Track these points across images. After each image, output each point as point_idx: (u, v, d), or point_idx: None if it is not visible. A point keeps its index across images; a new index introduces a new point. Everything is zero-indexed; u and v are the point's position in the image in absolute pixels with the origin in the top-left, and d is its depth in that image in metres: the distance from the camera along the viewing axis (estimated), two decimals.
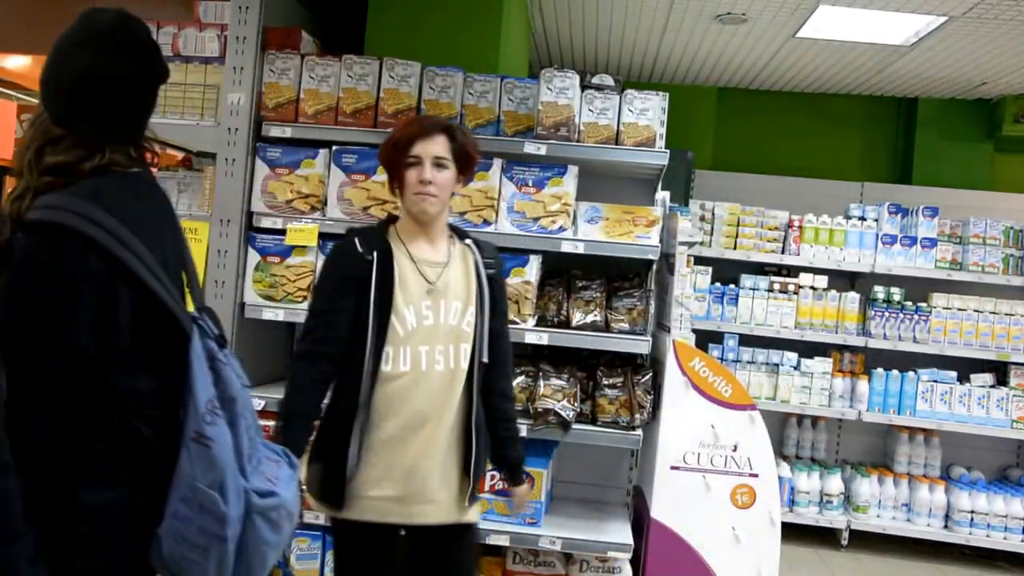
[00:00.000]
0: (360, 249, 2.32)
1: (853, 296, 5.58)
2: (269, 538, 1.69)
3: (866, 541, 5.45)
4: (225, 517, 1.56)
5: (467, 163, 2.40)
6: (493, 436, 2.49)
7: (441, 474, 2.33)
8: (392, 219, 2.48)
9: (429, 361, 2.31)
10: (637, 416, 3.20)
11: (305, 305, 3.25)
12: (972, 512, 5.29)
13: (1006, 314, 5.45)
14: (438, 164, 2.31)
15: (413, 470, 2.30)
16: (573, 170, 3.22)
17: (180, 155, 4.00)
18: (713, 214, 5.80)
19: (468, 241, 2.48)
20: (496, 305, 2.46)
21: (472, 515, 2.44)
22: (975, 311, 5.47)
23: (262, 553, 1.69)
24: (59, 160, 1.60)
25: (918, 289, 5.63)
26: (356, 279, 2.30)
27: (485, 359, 2.40)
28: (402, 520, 2.34)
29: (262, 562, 1.70)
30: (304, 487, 2.31)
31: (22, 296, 1.51)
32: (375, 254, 2.31)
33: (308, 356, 2.33)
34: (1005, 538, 5.26)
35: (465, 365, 2.36)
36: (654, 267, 3.50)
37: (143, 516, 1.58)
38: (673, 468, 3.35)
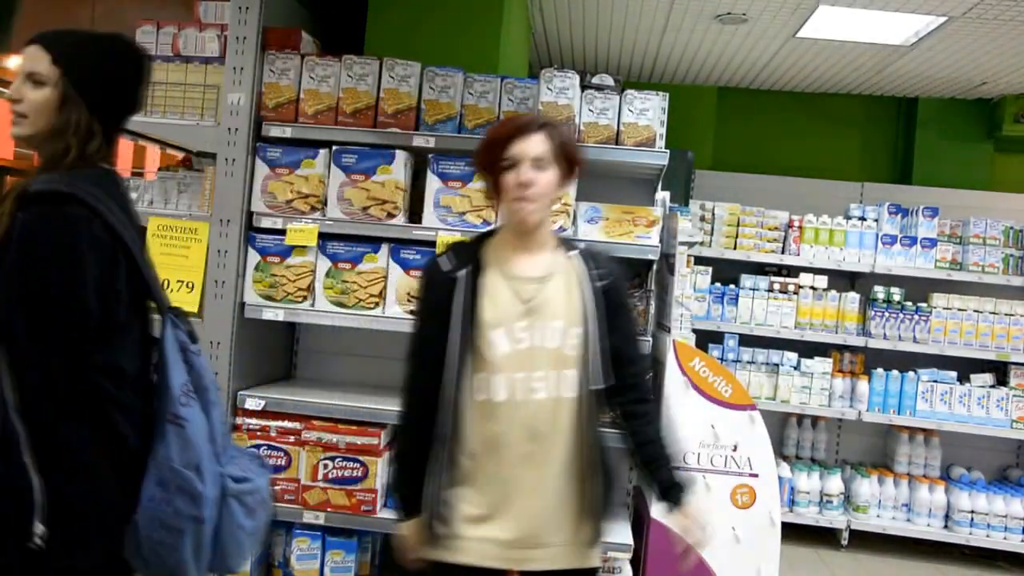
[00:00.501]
0: (445, 268, 2.12)
1: (853, 296, 5.59)
2: (244, 523, 1.71)
3: (866, 541, 5.45)
4: (201, 496, 1.59)
5: (570, 163, 2.16)
6: (642, 462, 2.24)
7: (554, 515, 2.10)
8: (490, 232, 2.25)
9: (526, 389, 2.06)
10: None
11: (306, 305, 3.25)
12: (972, 512, 5.29)
13: (1006, 314, 5.45)
14: (538, 166, 2.08)
15: (520, 511, 2.07)
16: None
17: (180, 155, 4.01)
18: (713, 214, 5.80)
19: (574, 252, 2.21)
20: (614, 321, 2.17)
21: (593, 559, 2.18)
22: (975, 311, 5.47)
23: (237, 539, 1.71)
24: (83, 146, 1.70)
25: (918, 289, 5.63)
26: (441, 301, 2.09)
27: (599, 385, 2.11)
28: (508, 565, 2.10)
29: (238, 548, 1.72)
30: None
31: (34, 262, 1.53)
32: (462, 272, 2.10)
33: (411, 413, 2.15)
34: (1005, 538, 5.27)
35: (571, 393, 2.09)
36: (654, 267, 3.50)
37: (123, 511, 1.60)
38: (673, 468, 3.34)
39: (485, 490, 2.07)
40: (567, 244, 2.23)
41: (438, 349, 2.06)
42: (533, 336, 2.07)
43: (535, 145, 2.08)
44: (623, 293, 2.27)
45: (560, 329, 2.08)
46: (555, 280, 2.13)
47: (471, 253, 2.15)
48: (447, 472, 2.06)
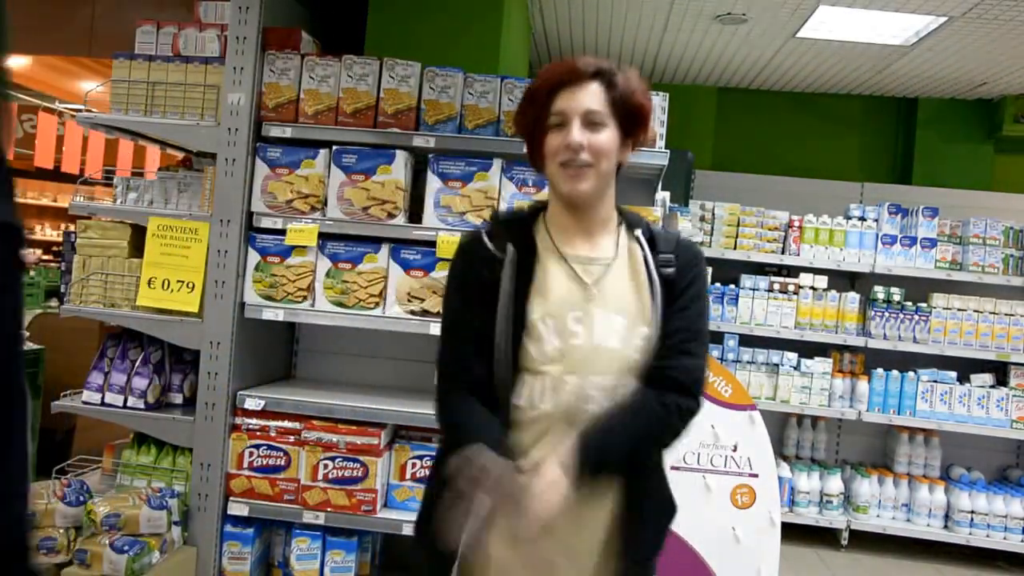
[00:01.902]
0: (491, 245, 1.71)
1: (853, 296, 5.59)
2: None
3: (866, 541, 5.45)
4: None
5: (635, 119, 1.72)
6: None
7: (602, 548, 1.69)
8: (542, 205, 1.83)
9: (580, 397, 1.64)
10: None
11: (306, 305, 3.25)
12: (972, 512, 5.29)
13: (1006, 314, 5.45)
14: (591, 123, 1.66)
15: (562, 542, 1.65)
16: None
17: (180, 155, 4.01)
18: (713, 214, 5.80)
19: (638, 231, 1.77)
20: (671, 318, 1.69)
21: None
22: (975, 311, 5.47)
23: None
24: None
25: (918, 289, 5.63)
26: (483, 285, 1.69)
27: None
28: None
29: None
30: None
31: None
32: (510, 250, 1.70)
33: (452, 393, 1.72)
34: (1005, 538, 5.26)
35: None
36: None
37: None
38: (673, 468, 3.35)
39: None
40: (632, 221, 1.80)
41: (480, 335, 1.68)
42: (593, 332, 1.66)
43: (588, 97, 1.67)
44: (697, 286, 1.74)
45: (624, 327, 1.67)
46: (619, 265, 1.73)
47: (522, 229, 1.76)
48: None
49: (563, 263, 1.70)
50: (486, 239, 1.72)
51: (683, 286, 1.71)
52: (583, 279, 1.69)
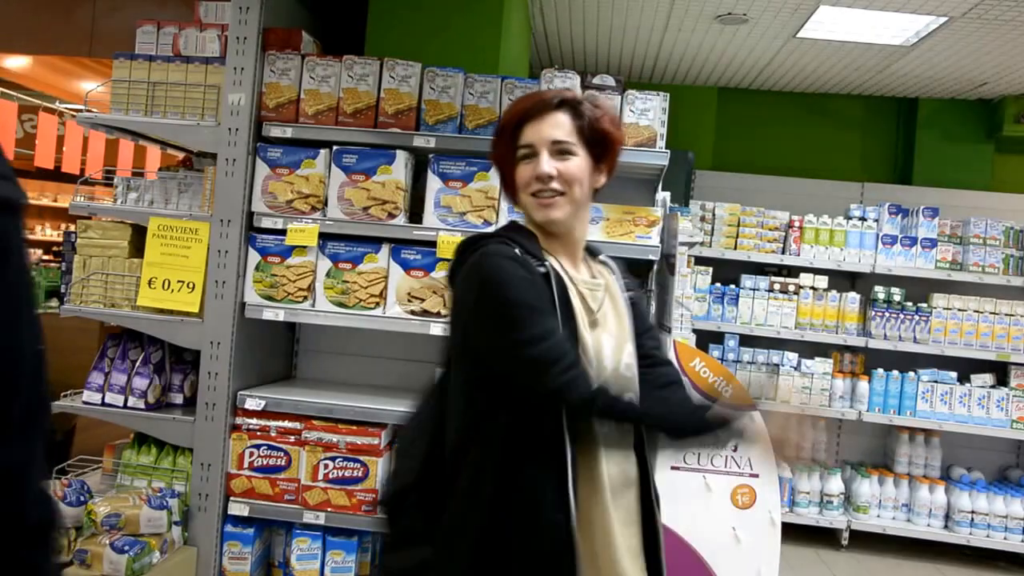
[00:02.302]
0: (529, 258, 1.70)
1: (853, 296, 5.59)
2: None
3: (866, 541, 5.45)
4: None
5: (603, 145, 1.75)
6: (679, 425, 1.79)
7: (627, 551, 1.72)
8: (528, 230, 1.81)
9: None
10: None
11: (306, 305, 3.24)
12: (972, 512, 5.29)
13: (1006, 314, 5.45)
14: (560, 152, 1.69)
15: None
16: None
17: (181, 155, 4.01)
18: (713, 214, 5.80)
19: (603, 257, 1.92)
20: (645, 330, 1.88)
21: None
22: (975, 311, 5.47)
23: None
24: None
25: (918, 289, 5.63)
26: (543, 293, 1.66)
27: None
28: None
29: None
30: None
31: None
32: (546, 265, 1.71)
33: (576, 380, 1.61)
34: (1005, 538, 5.27)
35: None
36: (655, 267, 3.50)
37: None
38: (673, 468, 3.35)
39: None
40: (590, 249, 1.91)
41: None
42: (593, 354, 1.70)
43: (555, 127, 1.70)
44: (645, 304, 1.98)
45: (615, 347, 1.75)
46: (607, 290, 1.84)
47: (536, 248, 1.74)
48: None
49: (575, 283, 1.74)
50: (517, 250, 1.69)
51: (642, 311, 1.91)
52: (593, 300, 1.76)
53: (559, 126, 1.70)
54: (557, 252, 1.76)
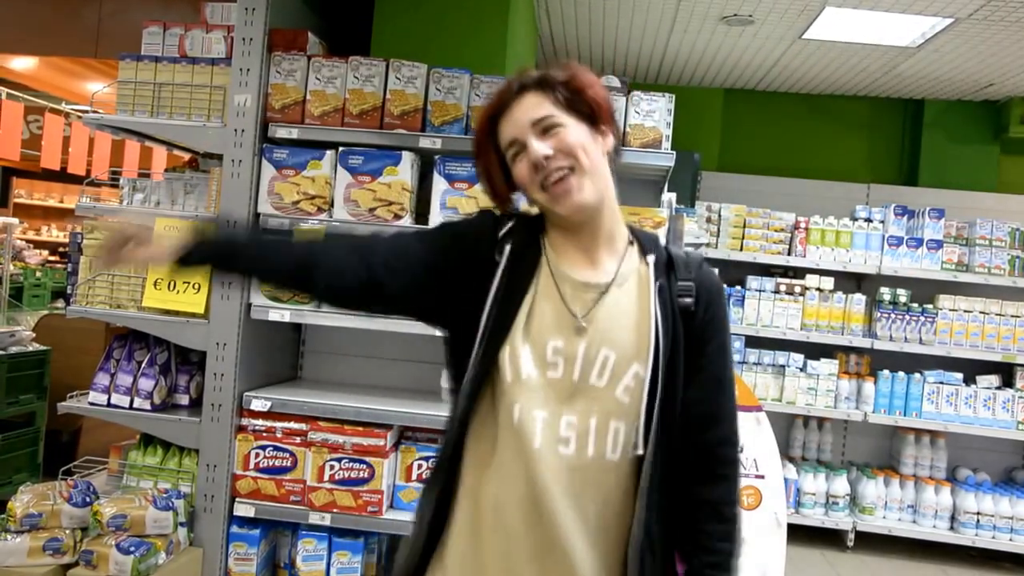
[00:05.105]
0: (497, 235, 1.54)
1: (859, 298, 5.58)
2: None
3: (872, 542, 5.45)
4: None
5: (589, 103, 1.52)
6: (691, 569, 1.51)
7: None
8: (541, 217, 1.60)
9: (547, 437, 1.42)
10: None
11: (312, 306, 3.25)
12: (978, 514, 5.28)
13: (1012, 316, 5.44)
14: (546, 128, 1.48)
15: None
16: None
17: (187, 156, 4.02)
18: (719, 215, 5.80)
19: (651, 256, 1.55)
20: (698, 361, 1.50)
21: None
22: (981, 313, 5.46)
23: None
24: None
25: (924, 291, 5.62)
26: (472, 264, 1.52)
27: (640, 451, 1.44)
28: None
29: None
30: None
31: None
32: (508, 250, 1.51)
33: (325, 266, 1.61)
34: (1011, 539, 5.25)
35: (616, 455, 1.44)
36: None
37: None
38: None
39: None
40: (646, 242, 1.59)
41: (408, 275, 1.53)
42: (572, 365, 1.45)
43: (528, 109, 1.50)
44: (719, 319, 1.54)
45: (613, 364, 1.46)
46: (621, 291, 1.51)
47: (531, 235, 1.55)
48: (429, 532, 1.50)
49: (560, 280, 1.50)
50: (495, 226, 1.55)
51: (706, 327, 1.52)
52: (579, 302, 1.48)
53: (532, 107, 1.49)
54: (569, 247, 1.53)
